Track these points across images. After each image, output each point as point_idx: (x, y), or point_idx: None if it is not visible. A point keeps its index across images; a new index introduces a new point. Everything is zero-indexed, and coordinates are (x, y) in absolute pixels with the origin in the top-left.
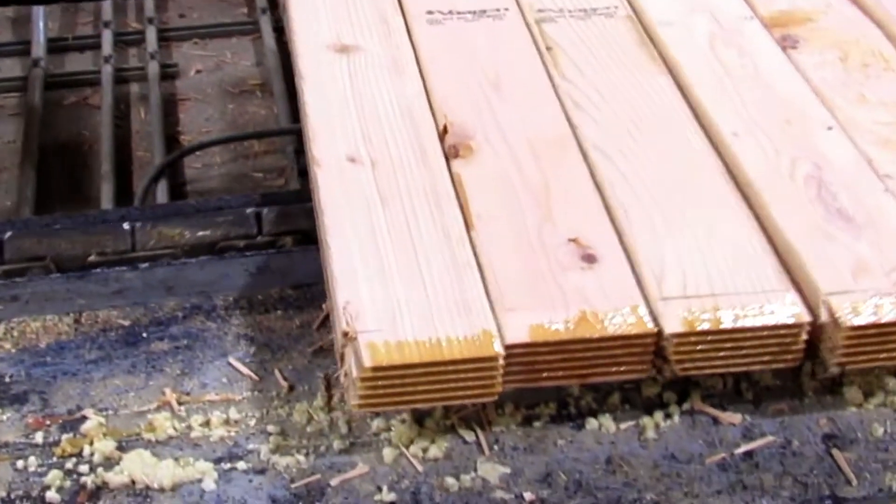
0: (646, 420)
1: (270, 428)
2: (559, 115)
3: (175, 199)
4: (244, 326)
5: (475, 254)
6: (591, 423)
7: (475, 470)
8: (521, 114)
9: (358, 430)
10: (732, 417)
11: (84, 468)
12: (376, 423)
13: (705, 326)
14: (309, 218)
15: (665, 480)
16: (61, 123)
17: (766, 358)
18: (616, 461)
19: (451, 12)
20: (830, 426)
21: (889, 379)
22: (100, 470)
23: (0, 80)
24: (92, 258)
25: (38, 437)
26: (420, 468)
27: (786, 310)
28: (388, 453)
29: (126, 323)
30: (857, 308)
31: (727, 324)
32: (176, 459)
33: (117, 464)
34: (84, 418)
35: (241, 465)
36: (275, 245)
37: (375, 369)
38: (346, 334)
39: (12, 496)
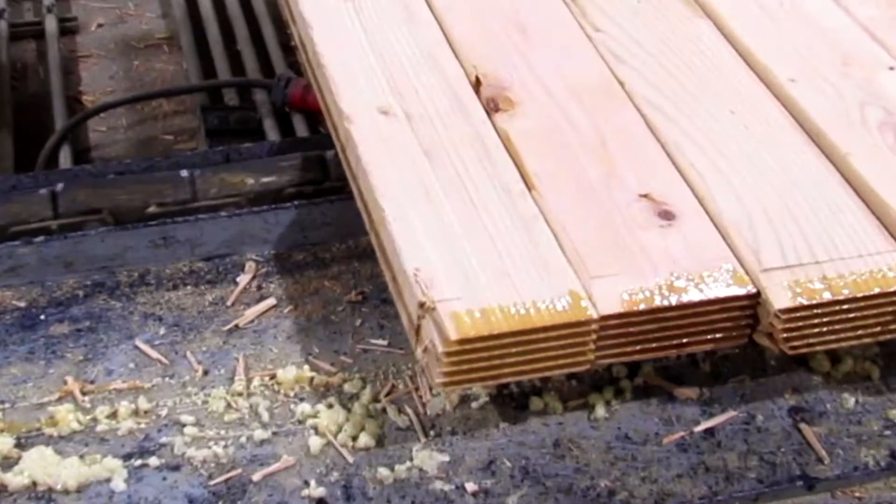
0: (595, 397)
1: (184, 418)
2: (597, 62)
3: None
4: (151, 305)
5: (542, 214)
6: (536, 402)
7: (411, 459)
8: (555, 61)
9: (280, 417)
10: (689, 392)
11: None
12: (301, 409)
13: (817, 299)
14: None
15: (619, 465)
16: None
17: (877, 329)
18: (565, 444)
19: None
20: (797, 398)
21: None
22: None
23: None
24: (151, 209)
25: None
26: (350, 458)
27: None
28: (314, 443)
29: (21, 304)
30: None
31: (840, 294)
32: (81, 457)
33: (16, 463)
34: None
35: (153, 461)
36: (342, 191)
37: (462, 342)
38: (422, 305)
39: None
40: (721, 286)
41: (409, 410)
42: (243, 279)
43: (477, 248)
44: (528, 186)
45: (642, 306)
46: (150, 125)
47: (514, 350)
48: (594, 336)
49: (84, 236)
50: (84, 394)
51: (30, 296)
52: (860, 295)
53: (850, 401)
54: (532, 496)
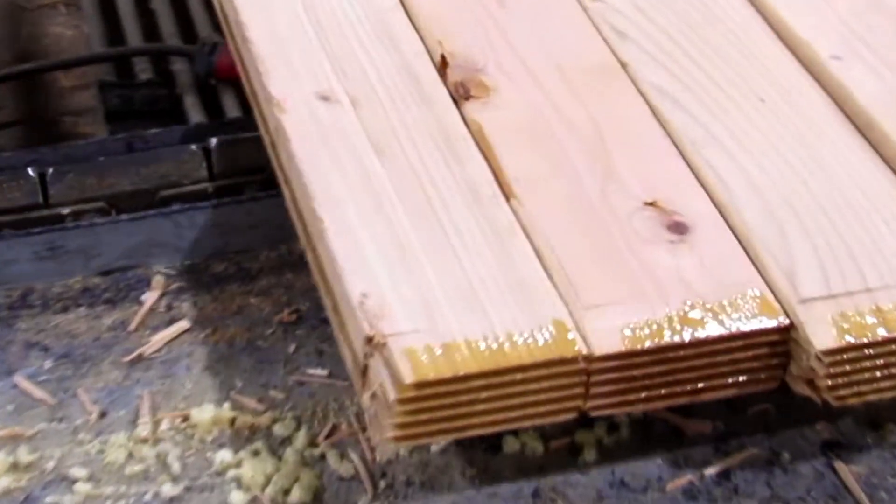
0: (583, 435)
1: (75, 472)
2: (594, 38)
3: None
4: (35, 331)
5: (521, 226)
6: (510, 443)
7: None
8: (541, 37)
9: (195, 468)
10: (700, 425)
11: None
12: (220, 458)
13: (870, 337)
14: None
15: None
16: None
17: None
18: (546, 494)
19: None
20: (831, 431)
21: None
22: None
23: None
24: None
25: None
26: None
27: None
28: (237, 499)
29: None
30: None
31: None
32: None
33: None
34: None
35: None
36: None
37: (420, 385)
38: (370, 340)
39: None
40: (746, 318)
41: (353, 457)
42: (149, 297)
43: (439, 267)
44: (506, 192)
45: (648, 344)
46: (44, 104)
47: (484, 395)
48: (585, 378)
49: None
50: None
51: None
52: None
53: (895, 433)
54: None
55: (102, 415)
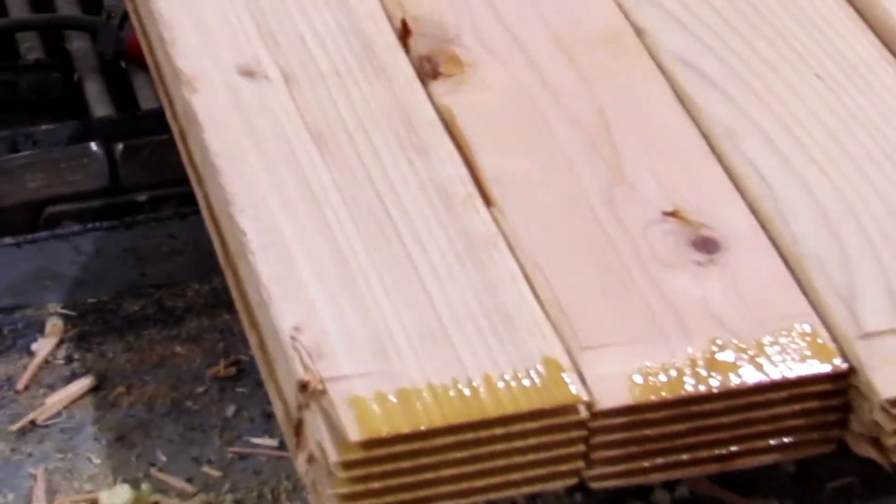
0: None
1: None
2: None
3: None
4: None
5: (504, 239)
6: None
7: None
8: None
9: None
10: None
11: None
12: None
13: None
14: None
15: None
16: None
17: None
18: None
19: None
20: None
21: None
22: None
23: None
24: None
25: None
26: None
27: None
28: None
29: None
30: None
31: None
32: None
33: None
34: None
35: None
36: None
37: (369, 444)
38: (304, 386)
39: None
40: (793, 361)
41: None
42: (43, 346)
43: (396, 292)
44: (484, 197)
45: (664, 394)
46: None
47: (454, 457)
48: (585, 435)
49: None
50: None
51: None
52: None
53: None
54: None
55: None
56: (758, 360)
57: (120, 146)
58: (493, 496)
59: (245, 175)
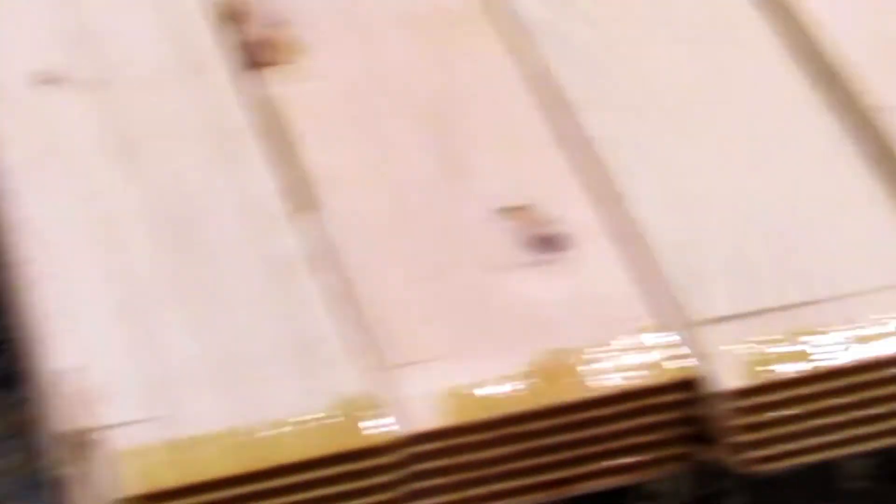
0: None
1: None
2: None
3: None
4: None
5: (324, 254)
6: None
7: None
8: None
9: None
10: None
11: None
12: None
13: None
14: None
15: None
16: None
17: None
18: None
19: None
20: None
21: None
22: None
23: None
24: None
25: None
26: None
27: None
28: None
29: None
30: None
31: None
32: None
33: None
34: None
35: None
36: None
37: (153, 499)
38: (80, 436)
39: None
40: (636, 369)
41: None
42: None
43: (186, 326)
44: (306, 203)
45: (486, 414)
46: None
47: None
48: (400, 474)
49: None
50: None
51: None
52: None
53: None
54: None
55: None
56: (596, 369)
57: None
58: None
59: (36, 194)
